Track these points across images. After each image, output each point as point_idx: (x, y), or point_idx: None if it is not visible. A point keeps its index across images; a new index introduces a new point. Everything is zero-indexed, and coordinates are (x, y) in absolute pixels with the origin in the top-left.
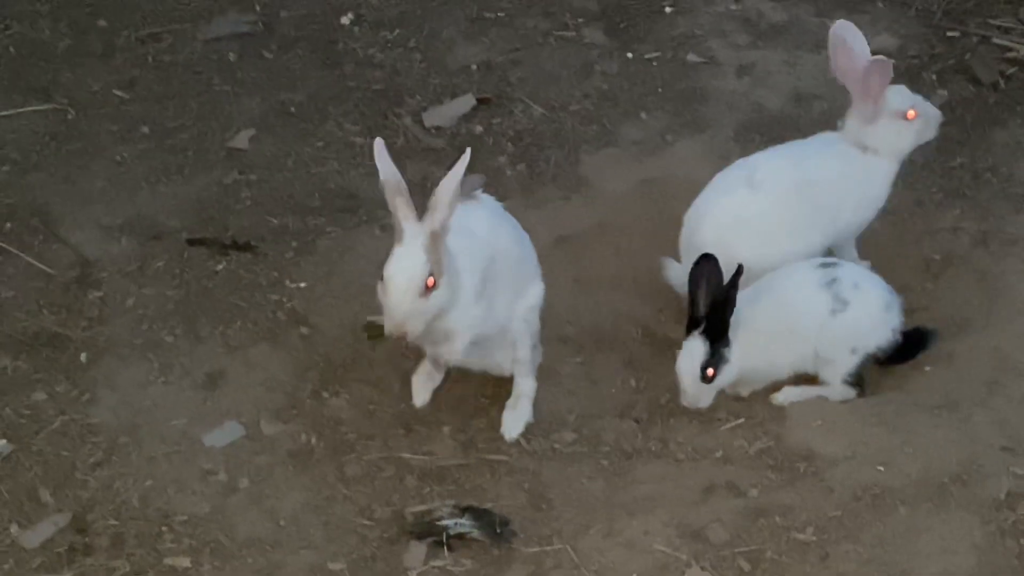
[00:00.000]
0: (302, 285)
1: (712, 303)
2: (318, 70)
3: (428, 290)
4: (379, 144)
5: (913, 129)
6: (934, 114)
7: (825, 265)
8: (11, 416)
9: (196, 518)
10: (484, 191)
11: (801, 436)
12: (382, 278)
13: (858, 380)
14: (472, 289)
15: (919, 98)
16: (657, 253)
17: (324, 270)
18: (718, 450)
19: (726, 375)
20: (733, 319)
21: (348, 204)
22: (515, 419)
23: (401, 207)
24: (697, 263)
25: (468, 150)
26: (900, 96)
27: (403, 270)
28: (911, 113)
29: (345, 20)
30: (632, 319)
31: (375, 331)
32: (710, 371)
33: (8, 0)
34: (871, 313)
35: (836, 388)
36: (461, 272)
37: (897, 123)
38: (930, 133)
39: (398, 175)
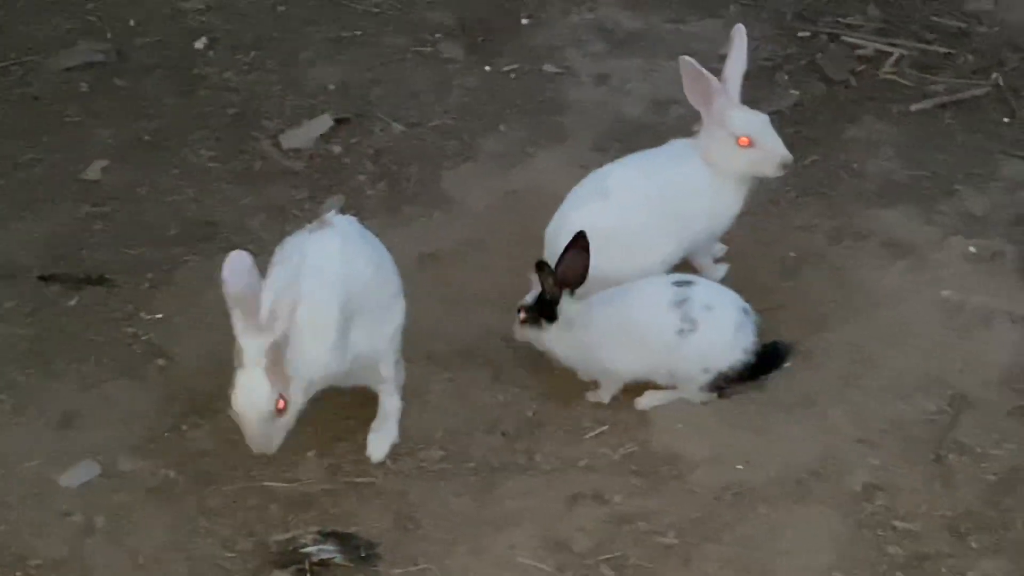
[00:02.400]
0: (159, 316)
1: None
2: (173, 97)
3: (280, 411)
4: (235, 258)
5: (745, 157)
6: (777, 153)
7: (680, 284)
8: None
9: (52, 561)
10: (341, 211)
11: (665, 440)
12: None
13: (715, 387)
14: (329, 343)
15: (769, 133)
16: (521, 266)
17: (182, 300)
18: (583, 459)
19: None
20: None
21: (206, 232)
22: (381, 440)
23: (239, 321)
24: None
25: None
26: (741, 120)
27: (251, 405)
28: (743, 140)
29: (199, 45)
30: (497, 333)
31: None
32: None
33: None
34: (721, 335)
35: (694, 395)
36: (315, 335)
37: (730, 145)
38: (768, 169)
39: (241, 287)
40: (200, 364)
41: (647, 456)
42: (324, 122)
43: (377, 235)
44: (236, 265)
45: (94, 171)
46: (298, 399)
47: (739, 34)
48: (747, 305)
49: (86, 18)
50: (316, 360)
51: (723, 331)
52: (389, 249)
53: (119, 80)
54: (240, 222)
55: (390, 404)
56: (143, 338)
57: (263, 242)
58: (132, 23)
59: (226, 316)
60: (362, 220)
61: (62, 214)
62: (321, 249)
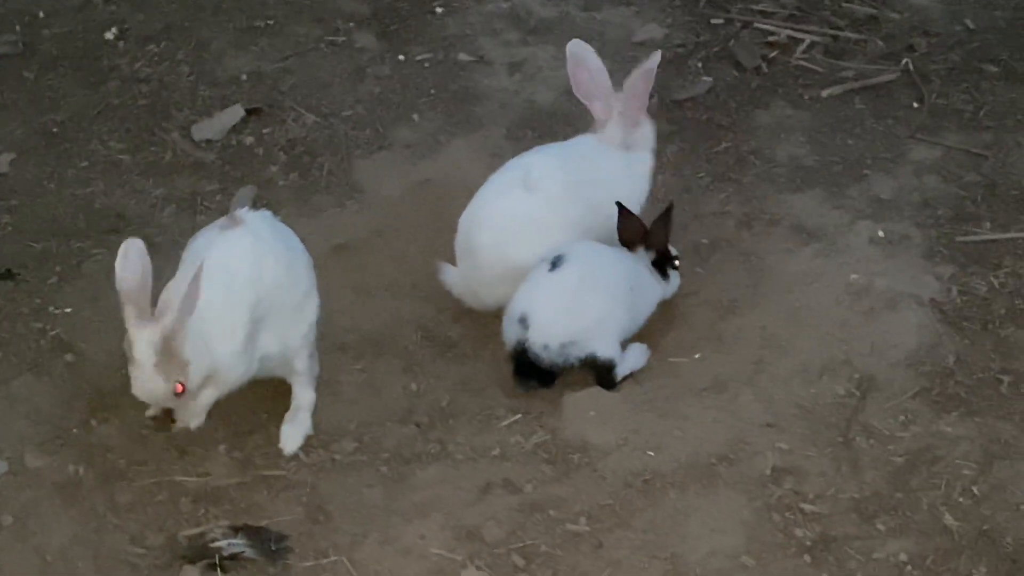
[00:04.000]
0: (67, 311)
1: None
2: (82, 88)
3: (181, 394)
4: (128, 247)
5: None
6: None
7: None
8: None
9: None
10: (253, 205)
11: (576, 428)
12: None
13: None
14: (236, 345)
15: None
16: (434, 256)
17: (90, 294)
18: (495, 448)
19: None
20: None
21: (115, 224)
22: (294, 432)
23: (130, 312)
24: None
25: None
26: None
27: (147, 395)
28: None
29: (109, 35)
30: (411, 323)
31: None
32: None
33: None
34: None
35: None
36: (222, 336)
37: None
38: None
39: (132, 278)
40: (109, 359)
41: (558, 444)
42: (235, 113)
43: (289, 226)
44: (129, 255)
45: (1, 164)
46: (196, 382)
47: (653, 59)
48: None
49: None
50: (222, 361)
51: None
52: (301, 240)
53: (26, 72)
54: (150, 215)
55: (303, 396)
56: (51, 333)
57: (173, 234)
58: (40, 15)
59: None
60: (274, 211)
61: None
62: (231, 249)
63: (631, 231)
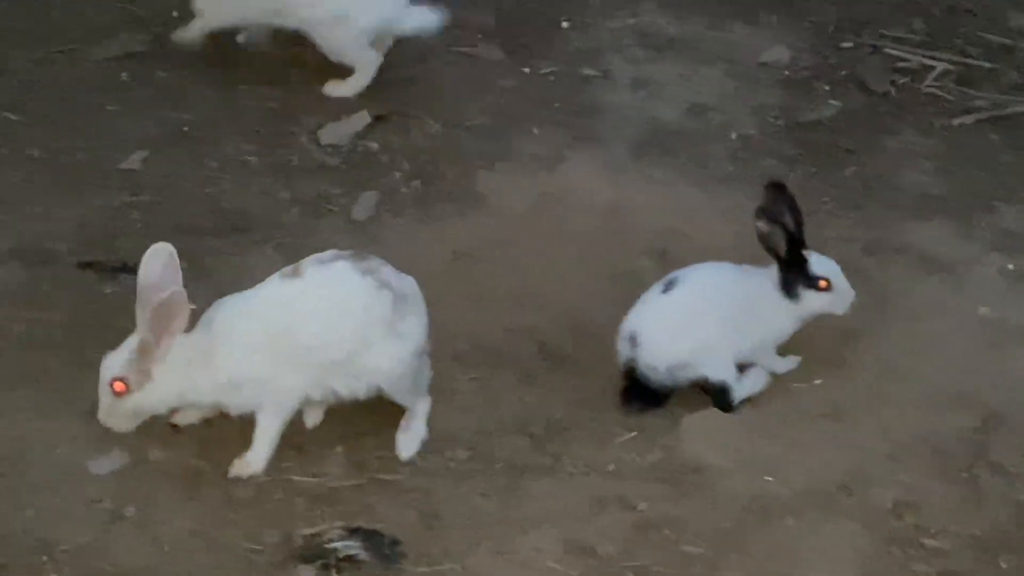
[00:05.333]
0: (192, 307)
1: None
2: (212, 89)
3: (119, 393)
4: (156, 250)
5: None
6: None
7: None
8: None
9: (79, 547)
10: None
11: (693, 448)
12: None
13: None
14: (215, 378)
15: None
16: (553, 268)
17: (216, 291)
18: (610, 464)
19: None
20: None
21: (241, 224)
22: (410, 438)
23: (138, 316)
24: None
25: None
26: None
27: (103, 368)
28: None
29: (240, 38)
30: (527, 335)
31: None
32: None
33: None
34: None
35: None
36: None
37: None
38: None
39: (151, 279)
40: None
41: (675, 464)
42: (362, 119)
43: (410, 233)
44: (155, 257)
45: (133, 161)
46: (147, 400)
47: None
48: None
49: (128, 8)
50: (179, 382)
51: None
52: (421, 247)
53: (160, 71)
54: (275, 216)
55: (419, 404)
56: None
57: (298, 236)
58: (175, 14)
59: None
60: (396, 217)
61: (100, 202)
62: (276, 299)
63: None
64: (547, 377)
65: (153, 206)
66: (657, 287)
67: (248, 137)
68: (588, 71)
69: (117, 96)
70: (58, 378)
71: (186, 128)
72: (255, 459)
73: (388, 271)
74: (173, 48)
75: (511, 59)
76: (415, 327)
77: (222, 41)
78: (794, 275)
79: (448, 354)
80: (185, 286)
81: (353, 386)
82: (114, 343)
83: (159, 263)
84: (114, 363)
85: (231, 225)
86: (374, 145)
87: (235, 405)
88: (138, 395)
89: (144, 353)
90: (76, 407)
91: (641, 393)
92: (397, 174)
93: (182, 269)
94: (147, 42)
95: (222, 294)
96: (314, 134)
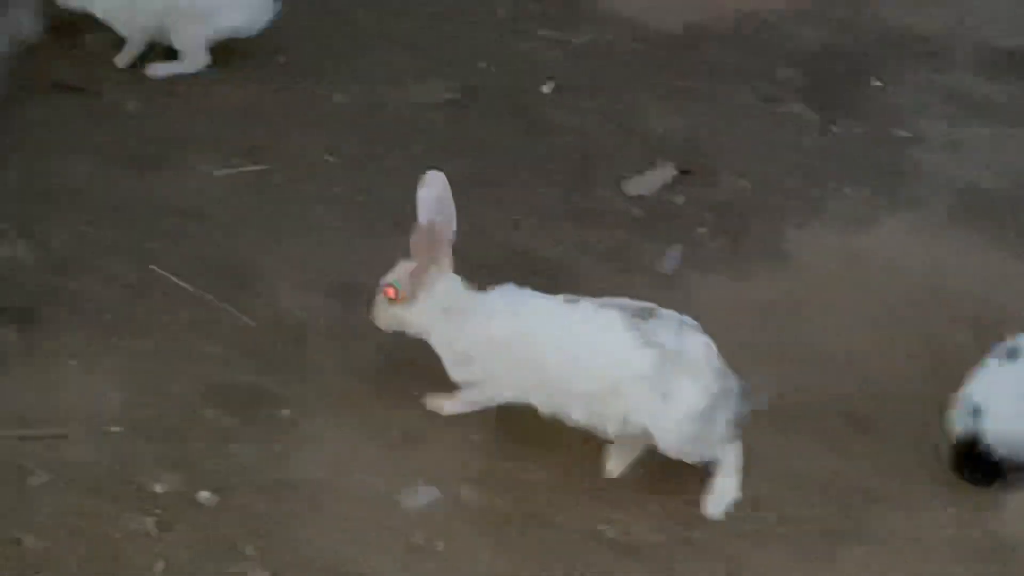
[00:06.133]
0: None
1: None
2: (518, 137)
3: (388, 297)
4: (434, 177)
5: None
6: None
7: None
8: (214, 469)
9: None
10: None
11: (1019, 528)
12: None
13: None
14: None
15: None
16: (861, 331)
17: None
18: (927, 537)
19: None
20: None
21: (545, 271)
22: (719, 496)
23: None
24: None
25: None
26: None
27: (393, 269)
28: None
29: (545, 89)
30: (833, 398)
31: None
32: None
33: (221, 70)
34: None
35: None
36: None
37: None
38: None
39: (424, 211)
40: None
41: (998, 542)
42: (667, 171)
43: (714, 289)
44: (432, 185)
45: None
46: (405, 317)
47: None
48: None
49: (439, 57)
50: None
51: None
52: (727, 303)
53: (468, 118)
54: (579, 265)
55: (730, 461)
56: None
57: (601, 286)
58: (482, 64)
59: None
60: (701, 271)
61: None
62: (544, 311)
63: None
64: (854, 442)
65: (457, 249)
66: (997, 356)
67: (552, 185)
68: (900, 132)
69: (426, 141)
70: (372, 409)
71: (491, 174)
72: (449, 407)
73: (666, 330)
74: (482, 96)
75: (820, 117)
76: (688, 390)
77: (525, 89)
78: None
79: (756, 413)
80: None
81: (598, 422)
82: (429, 378)
83: (434, 192)
84: (397, 270)
85: (534, 271)
86: (680, 198)
87: (456, 376)
88: (400, 308)
89: (415, 274)
90: (387, 439)
91: (978, 467)
92: (702, 228)
93: None
94: (456, 90)
95: None
96: (618, 185)
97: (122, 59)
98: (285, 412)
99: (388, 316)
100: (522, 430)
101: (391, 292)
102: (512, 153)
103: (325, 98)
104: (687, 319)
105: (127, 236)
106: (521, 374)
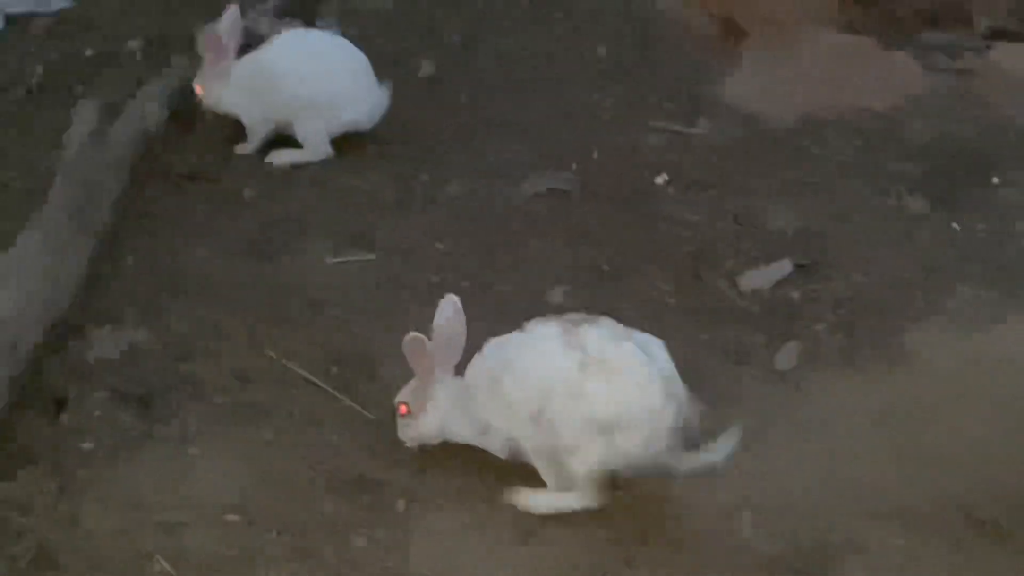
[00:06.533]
0: None
1: None
2: (631, 229)
3: (402, 414)
4: (448, 300)
5: None
6: None
7: None
8: (332, 559)
9: None
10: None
11: None
12: None
13: None
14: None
15: None
16: (985, 434)
17: None
18: None
19: None
20: None
21: None
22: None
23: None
24: None
25: None
26: None
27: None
28: None
29: (659, 180)
30: (955, 501)
31: None
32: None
33: (335, 159)
34: None
35: None
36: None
37: None
38: None
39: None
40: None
41: None
42: (783, 267)
43: (830, 387)
44: (446, 306)
45: (556, 294)
46: (420, 428)
47: None
48: None
49: (552, 147)
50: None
51: None
52: (844, 401)
53: (580, 208)
54: (694, 359)
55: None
56: None
57: (717, 381)
58: (595, 155)
59: None
60: (818, 369)
61: None
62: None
63: None
64: (980, 548)
65: None
66: None
67: (665, 277)
68: (1021, 229)
69: (539, 230)
70: (488, 503)
71: (605, 266)
72: (536, 504)
73: (597, 337)
74: (596, 186)
75: (937, 212)
76: (600, 395)
77: (639, 181)
78: None
79: (866, 511)
80: None
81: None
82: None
83: (447, 312)
84: (406, 388)
85: None
86: (795, 294)
87: (493, 450)
88: (414, 422)
89: (420, 387)
90: (506, 533)
91: None
92: (819, 325)
93: None
94: (569, 180)
95: None
96: (733, 279)
97: (244, 148)
98: (400, 504)
99: (411, 433)
100: (640, 530)
101: (403, 409)
102: (625, 244)
103: (438, 187)
104: (642, 335)
105: (244, 322)
106: (511, 410)
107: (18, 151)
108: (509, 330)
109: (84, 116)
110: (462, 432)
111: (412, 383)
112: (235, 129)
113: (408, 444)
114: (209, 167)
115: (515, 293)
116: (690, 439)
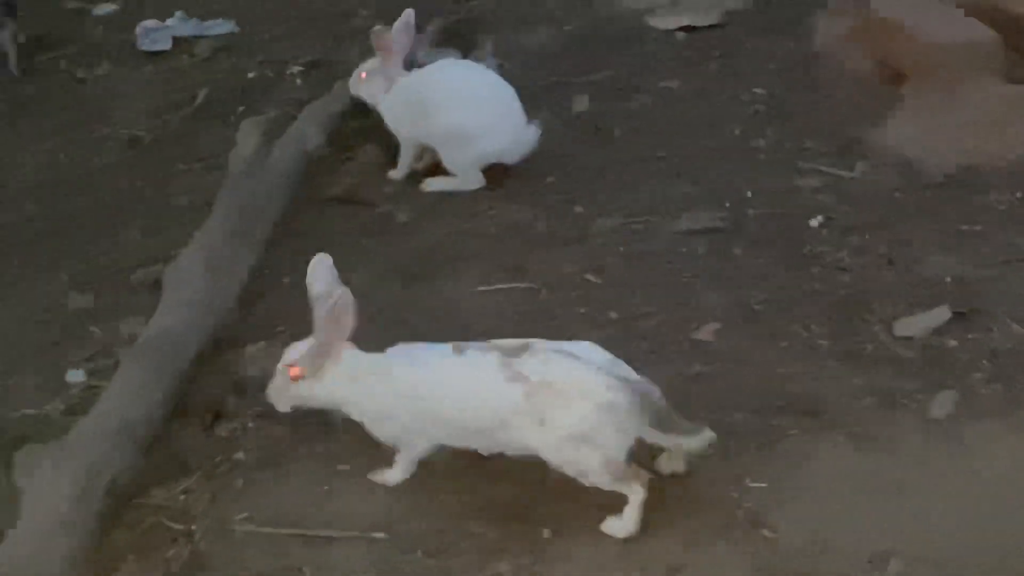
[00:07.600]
0: (763, 485)
1: None
2: (784, 270)
3: (293, 377)
4: (320, 259)
5: None
6: None
7: None
8: None
9: None
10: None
11: None
12: None
13: None
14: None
15: None
16: None
17: (786, 472)
18: None
19: None
20: None
21: (810, 408)
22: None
23: (315, 321)
24: None
25: None
26: None
27: (287, 350)
28: None
29: (814, 223)
30: None
31: None
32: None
33: (488, 189)
34: None
35: None
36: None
37: None
38: None
39: (320, 293)
40: (802, 544)
41: None
42: (941, 314)
43: (1005, 440)
44: (320, 266)
45: (706, 332)
46: (310, 393)
47: None
48: None
49: (705, 185)
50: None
51: None
52: (1004, 453)
53: (734, 248)
54: (846, 404)
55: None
56: (746, 505)
57: (870, 427)
58: (748, 194)
59: (829, 496)
60: (975, 419)
61: (671, 369)
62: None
63: None
64: None
65: (722, 379)
66: None
67: (819, 321)
68: None
69: (692, 268)
70: (629, 538)
71: (758, 306)
72: (391, 477)
73: (534, 363)
74: (749, 226)
75: None
76: (560, 415)
77: (793, 222)
78: None
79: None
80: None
81: (497, 451)
82: (686, 512)
83: (323, 271)
84: (297, 349)
85: (800, 408)
86: (952, 342)
87: (378, 435)
88: (305, 386)
89: (320, 353)
90: (647, 567)
91: None
92: (976, 375)
93: (748, 449)
94: (723, 219)
95: (794, 475)
96: (888, 324)
97: (397, 172)
98: (546, 532)
99: (290, 395)
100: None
101: (295, 371)
102: (778, 285)
103: (590, 219)
104: (582, 346)
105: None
106: (427, 421)
107: (182, 169)
108: (658, 367)
109: (247, 137)
110: (356, 410)
111: (302, 345)
112: (389, 154)
113: (279, 408)
114: (364, 191)
115: (664, 329)
116: (663, 417)
